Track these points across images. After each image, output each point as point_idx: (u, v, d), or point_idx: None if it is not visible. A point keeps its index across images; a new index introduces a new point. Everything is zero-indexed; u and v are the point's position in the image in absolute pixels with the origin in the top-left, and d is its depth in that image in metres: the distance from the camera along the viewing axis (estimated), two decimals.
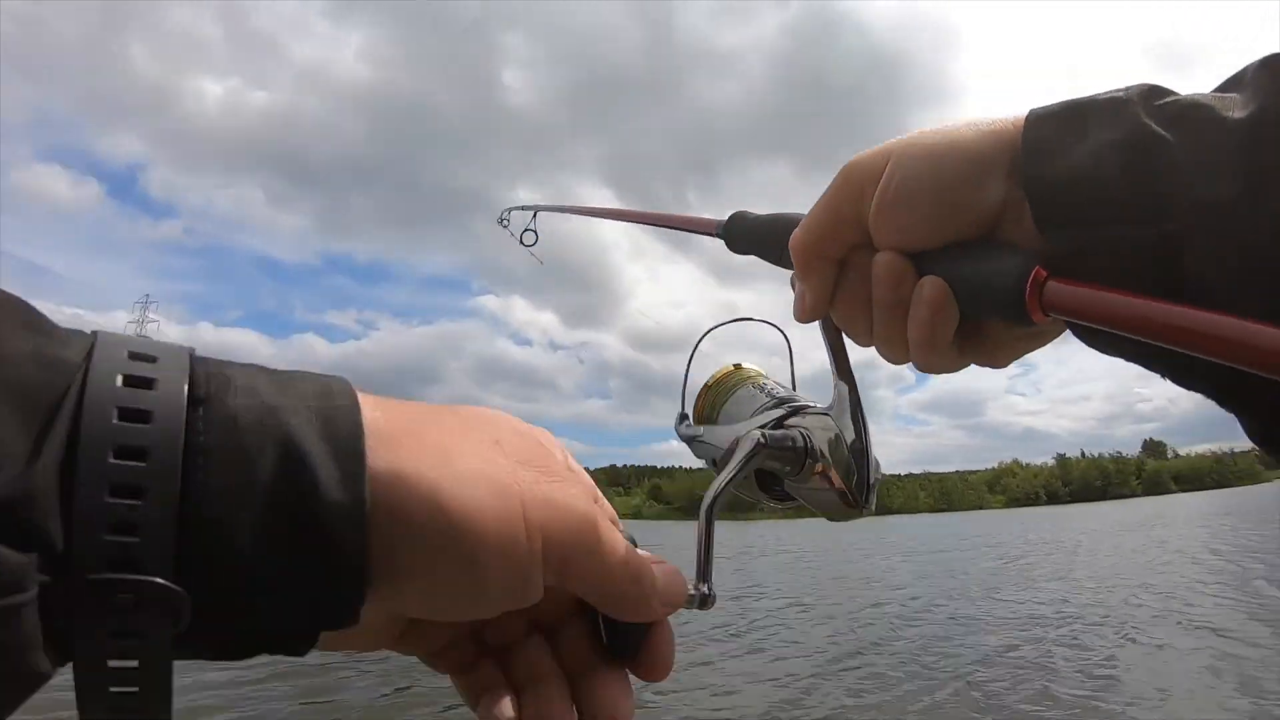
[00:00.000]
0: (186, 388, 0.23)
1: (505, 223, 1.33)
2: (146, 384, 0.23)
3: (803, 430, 0.45)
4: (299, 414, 0.24)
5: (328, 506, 0.23)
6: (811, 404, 0.49)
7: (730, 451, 0.43)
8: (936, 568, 14.90)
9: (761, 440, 0.43)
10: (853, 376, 0.46)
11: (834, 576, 14.39)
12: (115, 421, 0.22)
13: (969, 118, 0.40)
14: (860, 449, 0.44)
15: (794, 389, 0.54)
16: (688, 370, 0.61)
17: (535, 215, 1.26)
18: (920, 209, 0.39)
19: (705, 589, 0.35)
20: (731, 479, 0.41)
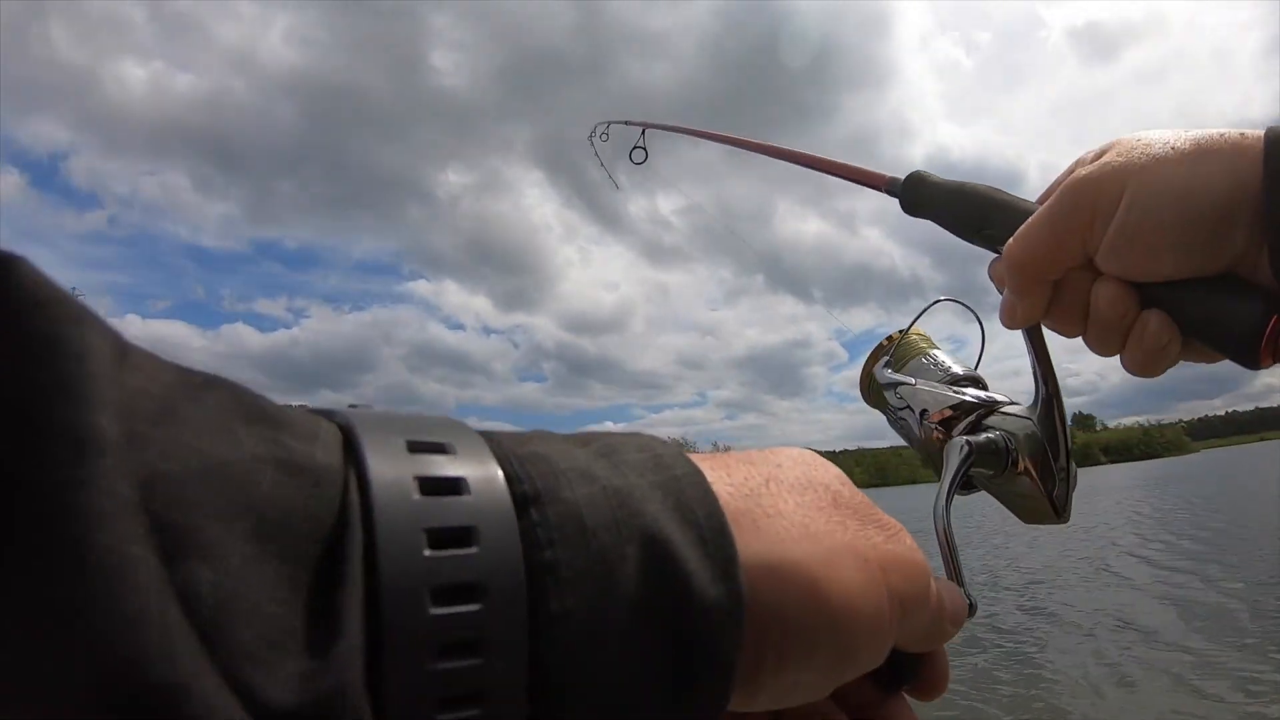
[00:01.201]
0: (504, 481, 0.17)
1: (605, 137, 1.31)
2: (453, 487, 0.17)
3: (1005, 433, 0.46)
4: (650, 497, 0.19)
5: (704, 610, 0.19)
6: (1001, 398, 0.49)
7: (943, 460, 0.45)
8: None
9: (969, 449, 0.44)
10: (1056, 381, 0.45)
11: None
12: (428, 553, 0.15)
13: (1205, 131, 0.39)
14: (1061, 456, 0.44)
15: (976, 368, 0.55)
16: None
17: (644, 133, 1.18)
18: (1158, 248, 0.38)
19: (968, 596, 0.34)
20: (951, 487, 0.42)
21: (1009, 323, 0.45)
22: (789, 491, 0.24)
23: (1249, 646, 5.03)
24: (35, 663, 0.12)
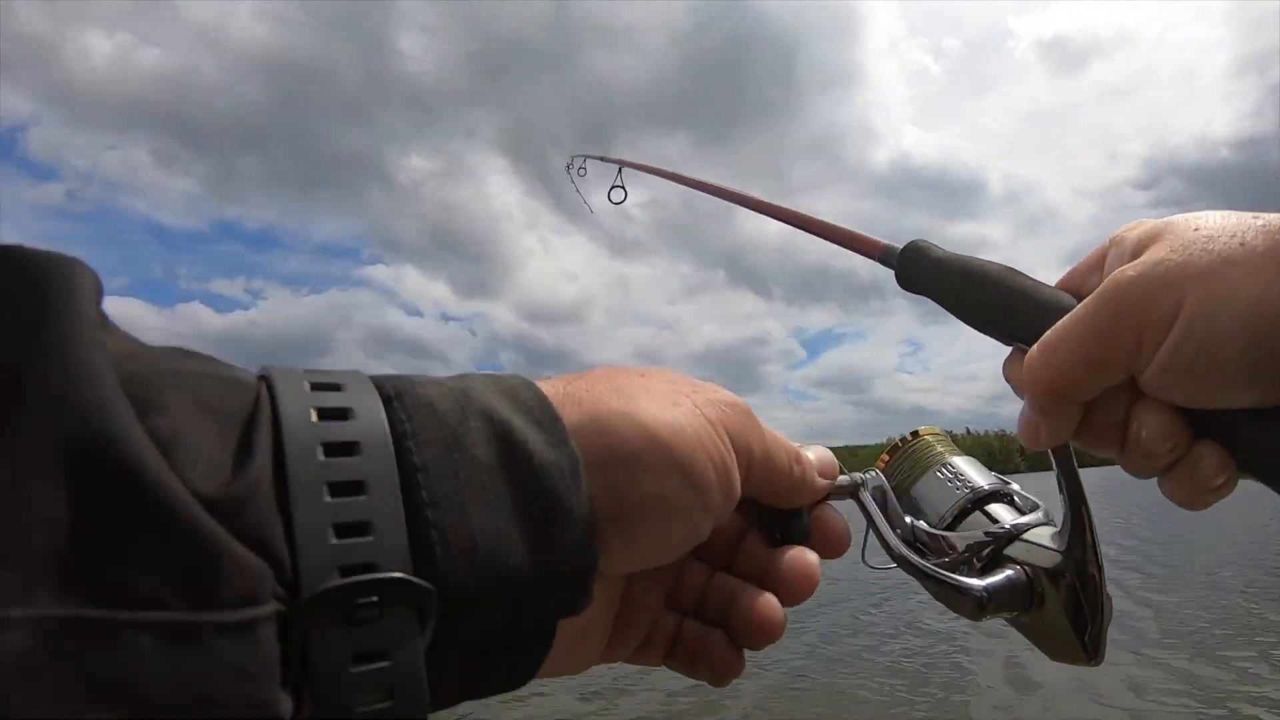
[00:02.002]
0: (375, 388, 0.24)
1: (583, 172, 1.33)
2: (335, 388, 0.23)
3: (1027, 569, 0.41)
4: (490, 393, 0.25)
5: (546, 468, 0.24)
6: (1028, 518, 0.43)
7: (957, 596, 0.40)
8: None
9: (985, 597, 0.40)
10: (1087, 505, 0.40)
11: None
12: (316, 421, 0.21)
13: (1273, 218, 0.32)
14: (1093, 591, 0.40)
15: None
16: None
17: (621, 171, 1.17)
18: (1222, 378, 0.32)
19: (857, 476, 0.40)
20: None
21: (1031, 444, 0.39)
22: (600, 377, 0.29)
23: (1145, 656, 5.26)
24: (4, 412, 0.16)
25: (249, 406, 0.20)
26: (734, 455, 0.29)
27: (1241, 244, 0.31)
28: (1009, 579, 0.40)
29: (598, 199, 1.29)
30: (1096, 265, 0.38)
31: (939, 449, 0.48)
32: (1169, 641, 5.65)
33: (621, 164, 1.15)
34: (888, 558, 0.43)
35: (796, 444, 0.35)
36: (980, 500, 0.44)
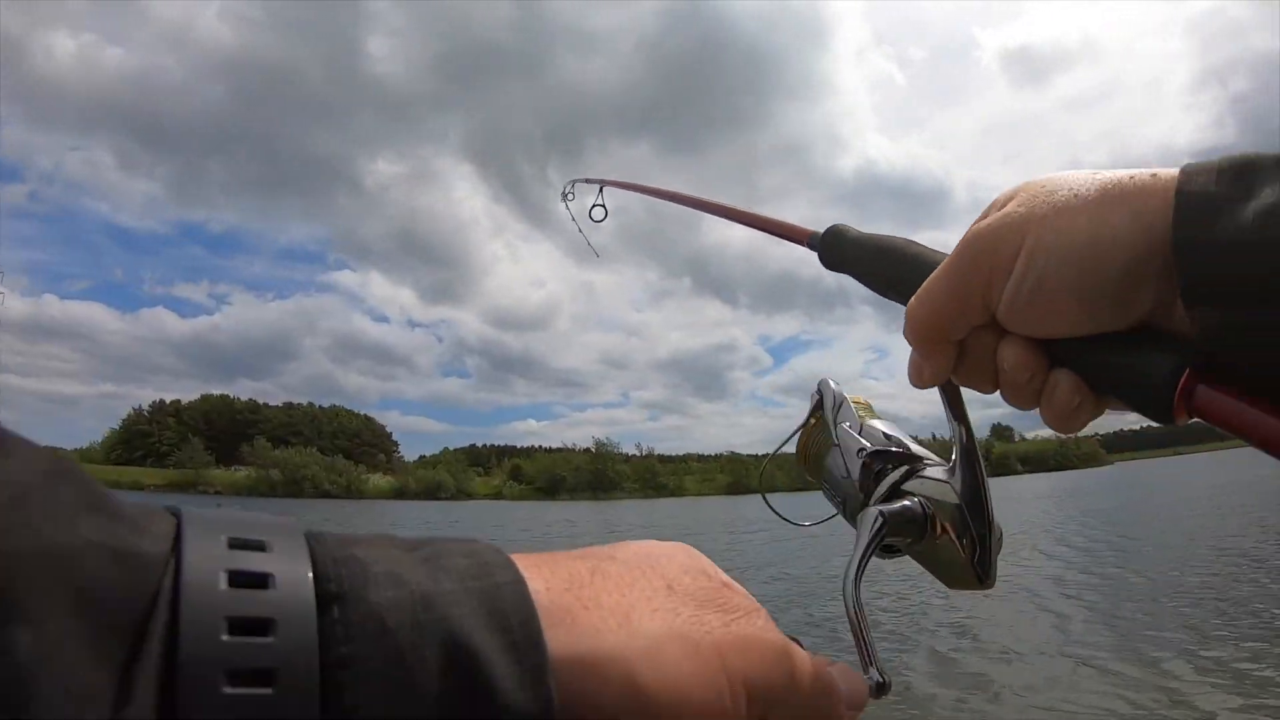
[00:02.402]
0: (312, 580, 0.19)
1: (570, 197, 1.33)
2: (260, 581, 0.18)
3: (922, 500, 0.45)
4: (460, 602, 0.20)
5: (506, 715, 0.19)
6: (923, 453, 0.49)
7: (857, 528, 0.44)
8: (796, 541, 15.01)
9: (883, 518, 0.43)
10: (974, 438, 0.44)
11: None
12: (226, 638, 0.17)
13: (1112, 173, 0.35)
14: (982, 520, 0.42)
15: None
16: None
17: (602, 190, 1.24)
18: (1062, 307, 0.35)
19: (879, 676, 0.35)
20: (863, 561, 0.41)
21: (917, 383, 0.43)
22: (614, 584, 0.24)
23: (1121, 648, 5.45)
24: None
25: (143, 603, 0.17)
26: (744, 708, 0.24)
27: (1075, 194, 0.35)
28: (905, 507, 0.44)
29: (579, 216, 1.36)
30: None
31: (860, 413, 0.54)
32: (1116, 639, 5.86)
33: (604, 183, 1.22)
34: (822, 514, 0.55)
35: (825, 659, 0.30)
36: (888, 452, 0.50)
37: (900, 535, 0.44)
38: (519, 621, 0.20)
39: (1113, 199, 0.34)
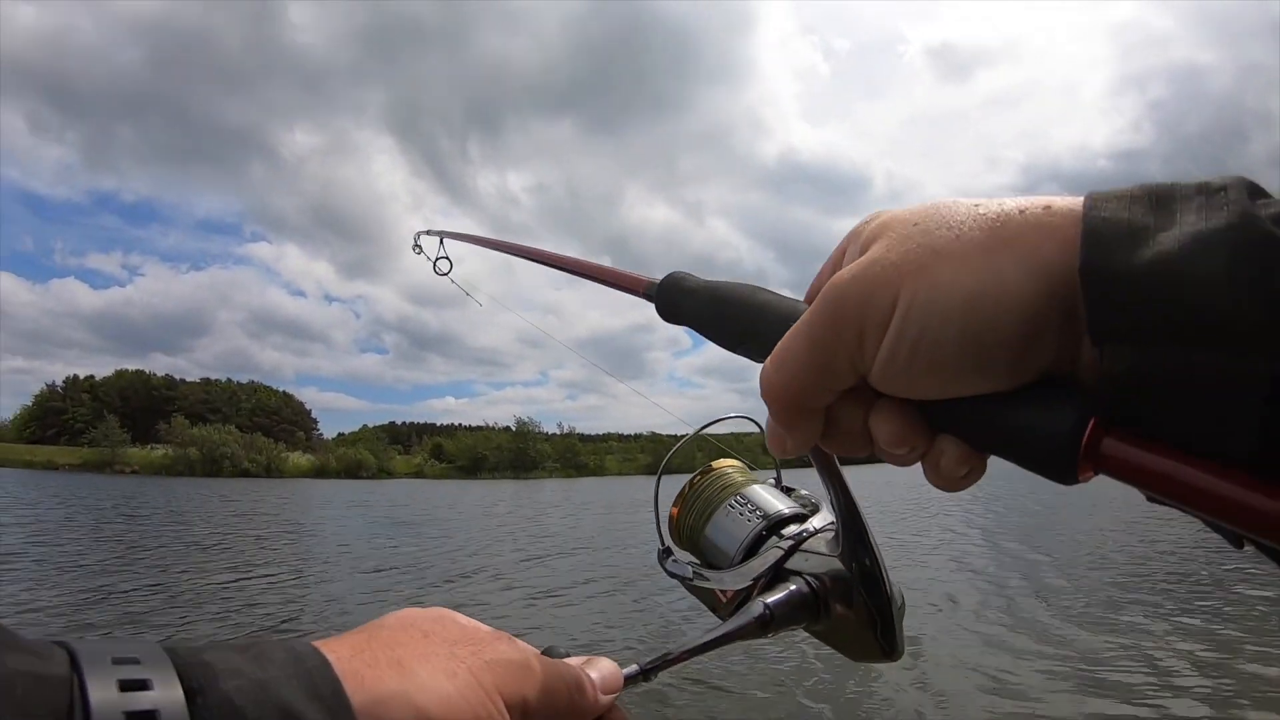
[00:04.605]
0: (179, 680, 0.25)
1: (419, 250, 1.47)
2: (143, 685, 0.24)
3: (808, 578, 0.42)
4: (285, 683, 0.27)
5: None
6: (808, 517, 0.47)
7: (736, 618, 0.42)
8: None
9: (768, 614, 0.41)
10: (854, 504, 0.41)
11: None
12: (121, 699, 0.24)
13: (1001, 207, 0.31)
14: (877, 589, 0.40)
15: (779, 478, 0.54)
16: (657, 495, 0.57)
17: (442, 241, 1.34)
18: (946, 370, 0.30)
19: (637, 668, 0.39)
20: (726, 641, 0.41)
21: (778, 454, 0.37)
22: (386, 644, 0.32)
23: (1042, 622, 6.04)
24: None
25: (64, 706, 0.23)
26: (505, 715, 0.32)
27: (957, 236, 0.30)
28: (791, 593, 0.41)
29: (427, 268, 1.49)
30: (837, 265, 0.36)
31: (736, 479, 0.50)
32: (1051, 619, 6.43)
33: (444, 235, 1.32)
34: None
35: (581, 660, 0.39)
36: (774, 525, 0.47)
37: (794, 624, 0.41)
38: (329, 691, 0.28)
39: (1002, 241, 0.29)
